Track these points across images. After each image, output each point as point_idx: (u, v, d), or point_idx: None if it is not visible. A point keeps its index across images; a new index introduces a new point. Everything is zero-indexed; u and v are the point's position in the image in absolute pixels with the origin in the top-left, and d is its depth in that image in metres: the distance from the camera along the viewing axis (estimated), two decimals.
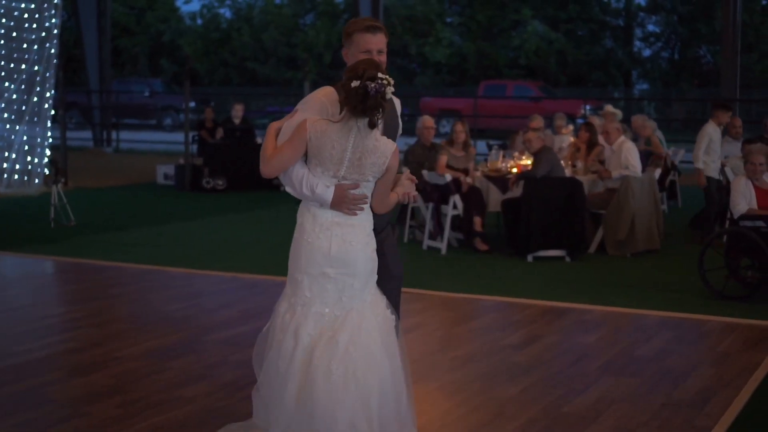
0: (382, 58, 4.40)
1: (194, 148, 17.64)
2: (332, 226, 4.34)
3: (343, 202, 4.31)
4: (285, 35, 41.62)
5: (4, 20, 15.63)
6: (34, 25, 15.94)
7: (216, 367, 6.13)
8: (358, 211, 4.34)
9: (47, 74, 16.03)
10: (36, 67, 15.93)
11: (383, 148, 4.30)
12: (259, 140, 17.76)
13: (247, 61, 42.68)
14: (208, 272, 9.40)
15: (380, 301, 4.46)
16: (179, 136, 26.45)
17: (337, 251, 4.33)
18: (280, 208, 14.31)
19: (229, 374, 5.98)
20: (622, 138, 10.90)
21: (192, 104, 26.22)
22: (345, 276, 4.35)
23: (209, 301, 8.22)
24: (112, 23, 29.84)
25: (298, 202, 4.43)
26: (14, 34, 15.71)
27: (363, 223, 4.40)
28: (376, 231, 4.47)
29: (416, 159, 11.33)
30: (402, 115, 4.68)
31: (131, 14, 44.30)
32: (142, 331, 7.02)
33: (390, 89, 4.23)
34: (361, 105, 4.19)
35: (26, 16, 15.88)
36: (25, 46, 15.84)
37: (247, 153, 16.67)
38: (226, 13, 44.93)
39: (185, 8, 48.37)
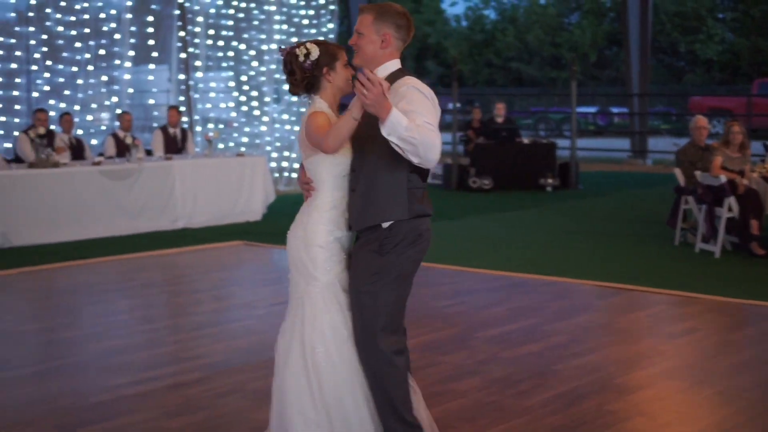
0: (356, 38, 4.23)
1: (461, 148, 17.92)
2: None
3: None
4: (549, 35, 41.43)
5: (285, 26, 16.57)
6: (313, 30, 16.81)
7: (486, 363, 6.24)
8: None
9: None
10: None
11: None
12: (525, 140, 17.81)
13: (512, 62, 42.84)
14: (474, 270, 9.56)
15: None
16: (446, 137, 26.91)
17: None
18: (545, 209, 14.30)
19: (500, 370, 6.07)
20: None
21: (457, 105, 26.50)
22: None
23: (477, 298, 8.36)
24: None
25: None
26: (294, 39, 16.63)
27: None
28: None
29: (689, 159, 11.02)
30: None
31: None
32: (415, 326, 7.24)
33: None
34: None
35: (305, 22, 16.76)
36: None
37: (512, 153, 16.80)
38: (490, 14, 45.34)
39: (450, 10, 49.05)
